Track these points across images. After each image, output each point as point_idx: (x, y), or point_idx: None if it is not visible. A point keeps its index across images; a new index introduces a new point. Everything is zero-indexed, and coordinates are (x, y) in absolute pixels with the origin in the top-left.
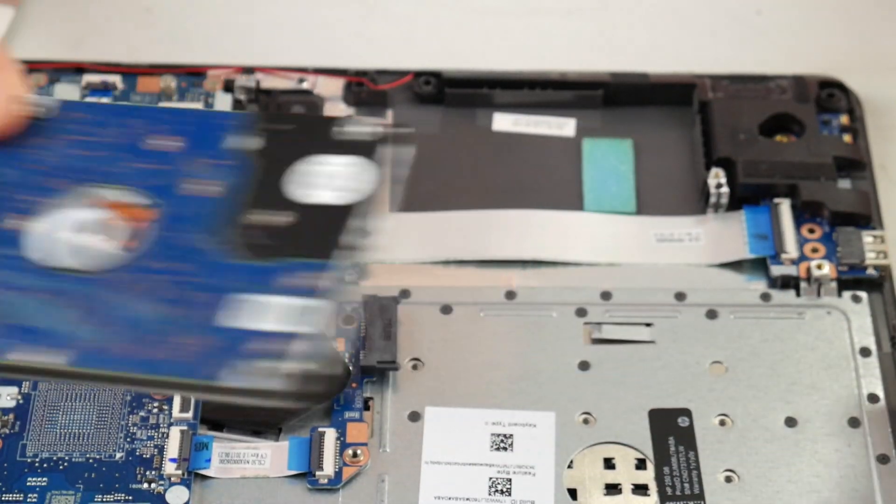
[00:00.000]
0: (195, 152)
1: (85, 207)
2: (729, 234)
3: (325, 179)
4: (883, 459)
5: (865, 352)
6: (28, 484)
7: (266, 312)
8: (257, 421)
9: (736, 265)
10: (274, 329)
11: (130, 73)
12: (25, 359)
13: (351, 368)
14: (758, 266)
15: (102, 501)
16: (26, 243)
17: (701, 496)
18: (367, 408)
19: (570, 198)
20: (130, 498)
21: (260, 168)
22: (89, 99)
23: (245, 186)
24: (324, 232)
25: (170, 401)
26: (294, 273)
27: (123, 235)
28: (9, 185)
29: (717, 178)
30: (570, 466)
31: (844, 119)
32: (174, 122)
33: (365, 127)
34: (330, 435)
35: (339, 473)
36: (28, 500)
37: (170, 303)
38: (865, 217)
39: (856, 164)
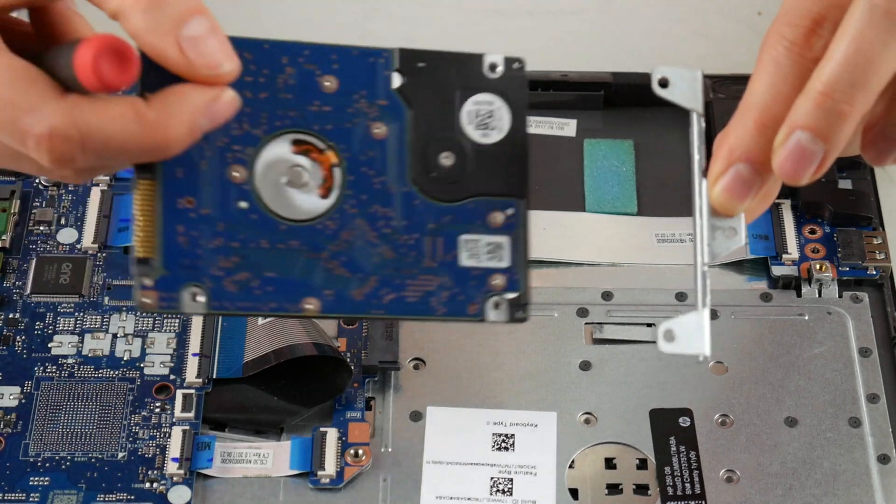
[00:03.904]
0: (351, 92)
1: (286, 155)
2: None
3: (486, 119)
4: (884, 459)
5: (866, 352)
6: (30, 483)
7: (479, 250)
8: (259, 421)
9: (737, 266)
10: (486, 266)
11: None
12: (292, 310)
13: (353, 368)
14: (759, 266)
15: (104, 501)
16: (248, 195)
17: (702, 496)
18: (368, 408)
19: (572, 198)
20: (132, 497)
21: (416, 107)
22: None
23: (407, 127)
24: (499, 169)
25: (172, 400)
26: (481, 210)
27: (319, 182)
28: (217, 134)
29: None
30: (571, 466)
31: None
32: (322, 60)
33: (513, 64)
34: (332, 435)
35: (340, 473)
36: (30, 499)
37: (380, 246)
38: (866, 218)
39: (856, 164)
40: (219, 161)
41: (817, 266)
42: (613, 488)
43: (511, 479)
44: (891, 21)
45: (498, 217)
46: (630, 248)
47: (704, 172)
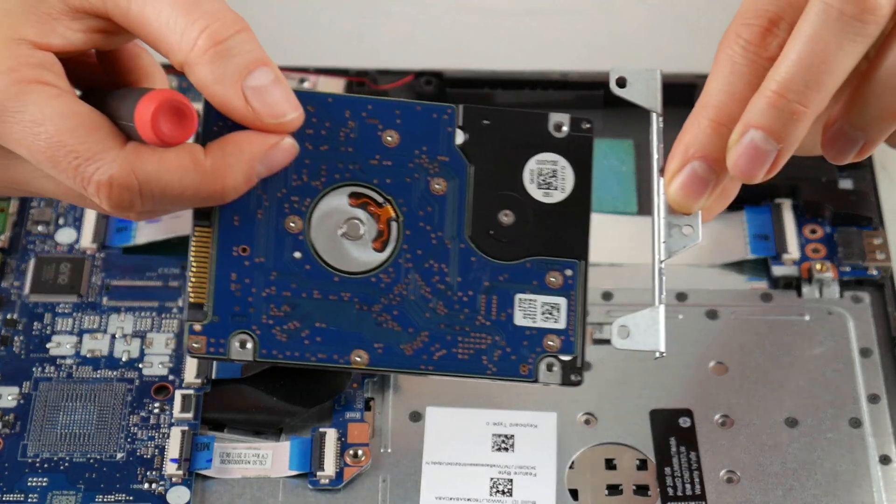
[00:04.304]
0: (412, 147)
1: (343, 208)
2: (730, 235)
3: (549, 178)
4: (885, 460)
5: (867, 352)
6: (29, 484)
7: (535, 310)
8: (258, 421)
9: (737, 265)
10: (540, 326)
11: None
12: (340, 363)
13: None
14: (759, 266)
15: (103, 502)
16: (303, 246)
17: (702, 497)
18: (368, 408)
19: None
20: (131, 498)
21: (477, 164)
22: None
23: (468, 183)
24: (559, 229)
25: (171, 400)
26: (539, 270)
27: (375, 235)
28: (276, 185)
29: None
30: (571, 467)
31: None
32: (384, 115)
33: (581, 124)
34: (331, 435)
35: (340, 474)
36: (29, 500)
37: (433, 302)
38: (866, 218)
39: (857, 164)
40: (276, 211)
41: (818, 266)
42: (613, 489)
43: (511, 480)
44: (845, 22)
45: (556, 278)
46: (630, 248)
47: (662, 171)
